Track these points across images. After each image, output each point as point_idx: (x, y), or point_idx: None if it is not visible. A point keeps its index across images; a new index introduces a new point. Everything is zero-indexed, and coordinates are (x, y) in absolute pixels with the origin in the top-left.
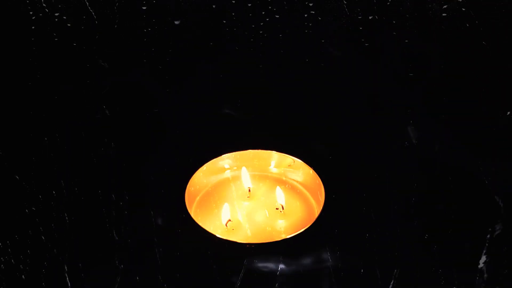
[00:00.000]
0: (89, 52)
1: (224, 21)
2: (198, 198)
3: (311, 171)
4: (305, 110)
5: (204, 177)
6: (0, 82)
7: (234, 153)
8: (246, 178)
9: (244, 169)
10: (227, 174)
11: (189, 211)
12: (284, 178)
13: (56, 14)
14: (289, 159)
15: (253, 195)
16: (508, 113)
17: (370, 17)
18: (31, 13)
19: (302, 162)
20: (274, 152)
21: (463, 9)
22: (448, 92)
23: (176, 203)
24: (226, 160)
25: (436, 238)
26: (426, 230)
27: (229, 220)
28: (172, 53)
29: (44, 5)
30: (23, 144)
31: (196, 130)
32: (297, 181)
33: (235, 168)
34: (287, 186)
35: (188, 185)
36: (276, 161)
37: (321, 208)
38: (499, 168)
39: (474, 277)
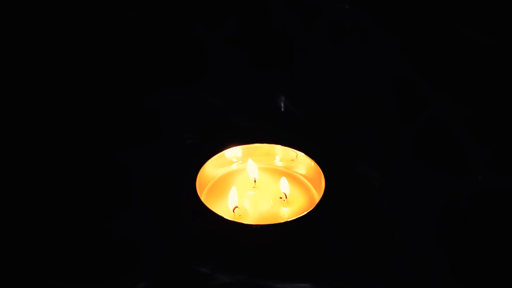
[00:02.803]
0: (89, 52)
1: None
2: (207, 188)
3: (312, 163)
4: (307, 104)
5: (213, 169)
6: (0, 82)
7: (241, 146)
8: (252, 170)
9: (250, 161)
10: (234, 166)
11: (200, 197)
12: (287, 170)
13: (56, 14)
14: (292, 152)
15: (258, 186)
16: None
17: (369, 17)
18: (31, 13)
19: (304, 154)
20: (278, 146)
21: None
22: (448, 92)
23: (188, 191)
24: (233, 153)
25: (436, 238)
26: (426, 230)
27: (236, 207)
28: (173, 52)
29: (43, 4)
30: (23, 144)
31: (201, 125)
32: (299, 173)
33: (240, 162)
34: (289, 177)
35: (198, 176)
36: (280, 155)
37: (321, 195)
38: (501, 168)
39: (474, 277)
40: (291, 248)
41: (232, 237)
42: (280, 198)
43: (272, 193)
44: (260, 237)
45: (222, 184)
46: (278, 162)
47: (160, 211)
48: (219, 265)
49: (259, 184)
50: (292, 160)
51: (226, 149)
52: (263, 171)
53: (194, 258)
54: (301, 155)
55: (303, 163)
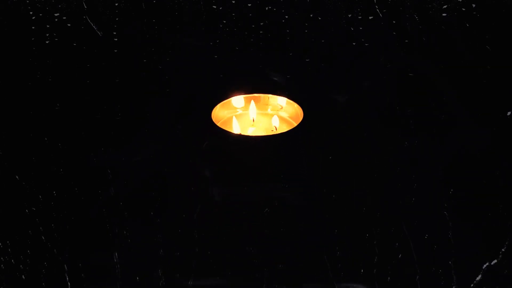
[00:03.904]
0: (89, 52)
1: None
2: (218, 124)
3: (295, 105)
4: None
5: (222, 111)
6: (0, 82)
7: (243, 95)
8: (252, 111)
9: (252, 102)
10: (238, 112)
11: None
12: (277, 113)
13: (56, 14)
14: (281, 98)
15: (256, 124)
16: (509, 113)
17: (370, 17)
18: (31, 13)
19: (289, 100)
20: (270, 95)
21: (463, 9)
22: (448, 92)
23: (204, 123)
24: (237, 100)
25: (436, 238)
26: (426, 230)
27: (240, 134)
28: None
29: (44, 5)
30: (23, 144)
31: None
32: (287, 116)
33: (240, 111)
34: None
35: (212, 112)
36: (272, 102)
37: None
38: (501, 167)
39: (474, 277)
40: (279, 157)
41: (238, 149)
42: (272, 130)
43: (266, 128)
44: (257, 148)
45: (230, 122)
46: (270, 111)
47: (184, 136)
48: (227, 170)
49: (256, 123)
50: (280, 108)
51: (231, 97)
52: (259, 116)
53: (209, 164)
54: (288, 101)
55: (289, 108)
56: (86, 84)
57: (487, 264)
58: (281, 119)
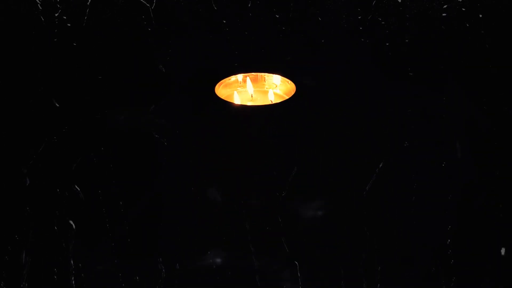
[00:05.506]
0: (89, 52)
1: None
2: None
3: (289, 81)
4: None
5: (224, 89)
6: (0, 82)
7: (243, 74)
8: (249, 87)
9: (248, 80)
10: (239, 89)
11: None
12: (273, 89)
13: (56, 14)
14: (276, 77)
15: (254, 99)
16: None
17: (369, 17)
18: (31, 13)
19: (284, 77)
20: (266, 74)
21: (463, 9)
22: (449, 92)
23: (209, 96)
24: (237, 78)
25: (437, 239)
26: (427, 230)
27: (241, 104)
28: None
29: (44, 5)
30: (23, 144)
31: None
32: (282, 92)
33: (241, 88)
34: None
35: (216, 88)
36: (268, 79)
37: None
38: (502, 168)
39: (474, 277)
40: (274, 125)
41: (238, 117)
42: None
43: (263, 102)
44: (255, 117)
45: (230, 98)
46: (266, 87)
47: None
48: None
49: (254, 98)
50: (276, 86)
51: (232, 75)
52: (257, 93)
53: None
54: (283, 79)
55: (283, 86)
56: (86, 84)
57: (487, 264)
58: (276, 94)
